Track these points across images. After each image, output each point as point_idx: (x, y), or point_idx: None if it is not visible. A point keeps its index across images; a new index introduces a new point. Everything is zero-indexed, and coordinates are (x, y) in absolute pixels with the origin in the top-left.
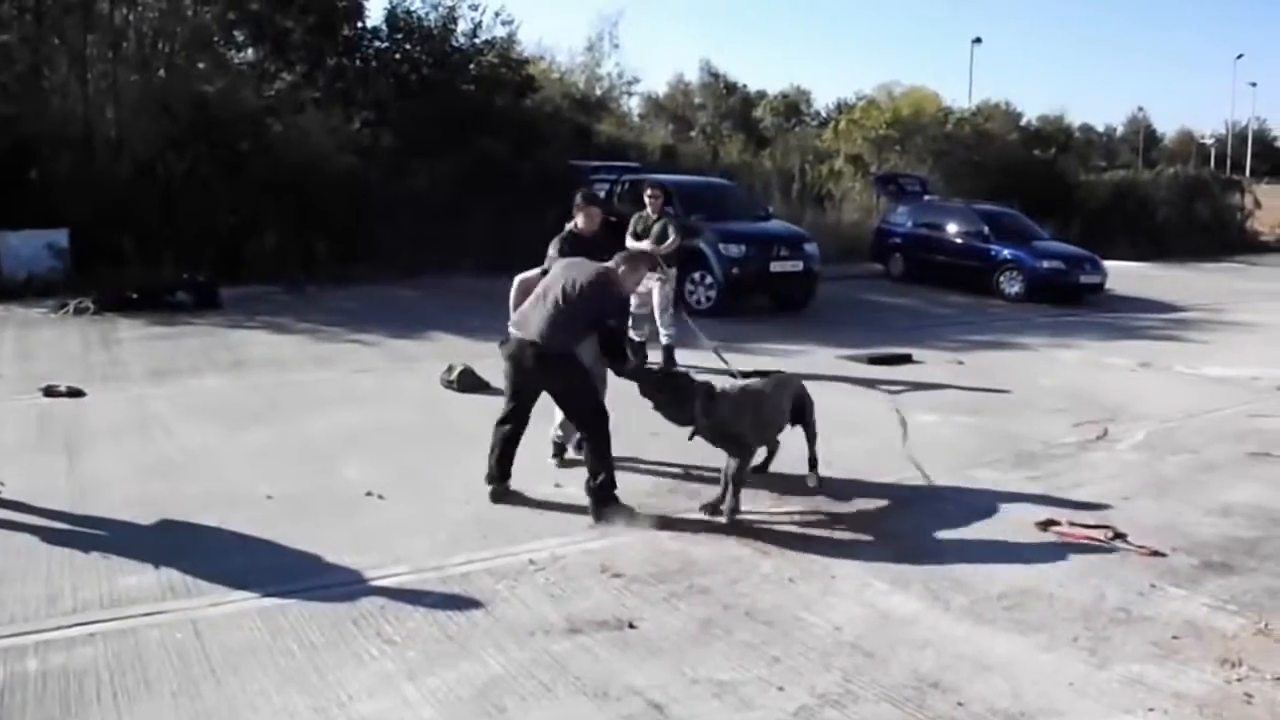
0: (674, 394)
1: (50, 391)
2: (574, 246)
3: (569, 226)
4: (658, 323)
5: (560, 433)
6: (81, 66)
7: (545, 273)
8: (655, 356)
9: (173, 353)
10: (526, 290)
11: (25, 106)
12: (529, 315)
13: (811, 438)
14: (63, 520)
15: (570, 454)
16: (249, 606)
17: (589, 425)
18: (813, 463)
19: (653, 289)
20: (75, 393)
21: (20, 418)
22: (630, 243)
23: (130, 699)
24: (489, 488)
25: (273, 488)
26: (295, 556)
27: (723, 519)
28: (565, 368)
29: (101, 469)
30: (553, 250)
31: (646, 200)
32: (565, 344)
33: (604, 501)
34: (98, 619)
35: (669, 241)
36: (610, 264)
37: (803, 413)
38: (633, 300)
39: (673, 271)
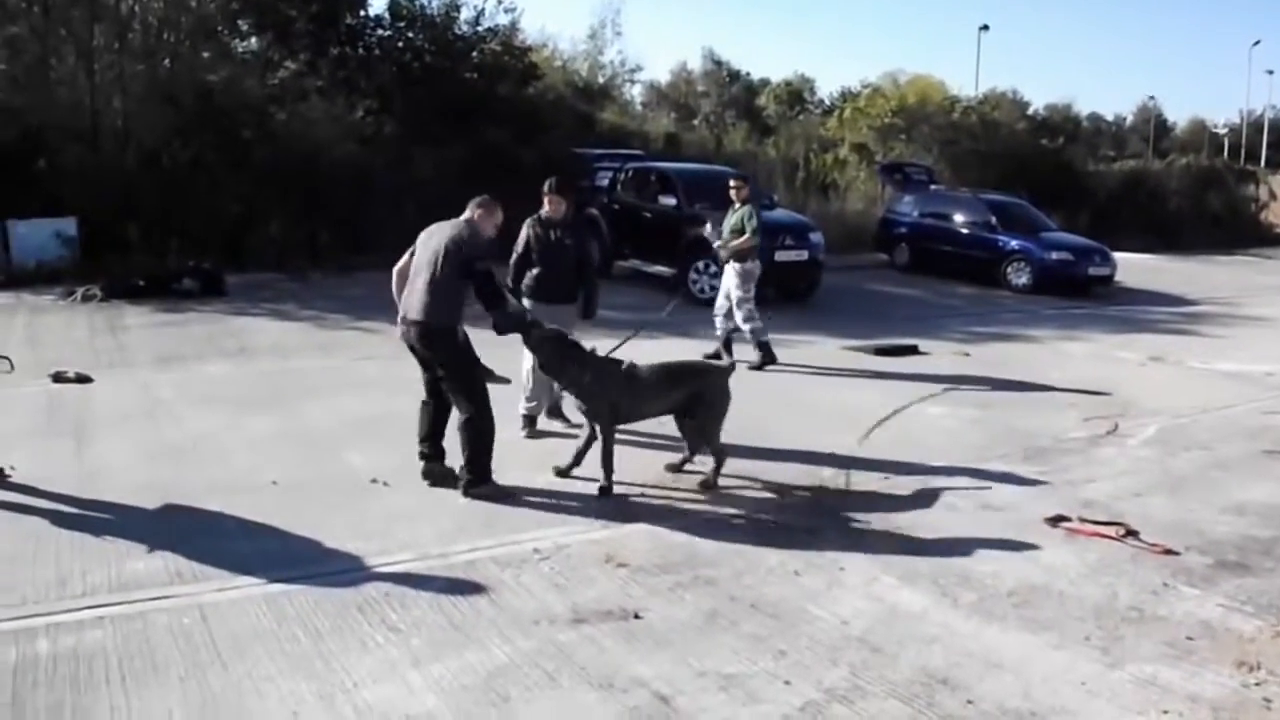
0: (552, 354)
1: (59, 378)
2: (544, 228)
3: (539, 213)
4: (737, 318)
5: (531, 403)
6: (88, 57)
7: (413, 253)
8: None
9: (179, 339)
10: (404, 276)
11: (33, 97)
12: (408, 298)
13: (697, 436)
14: (71, 505)
15: (542, 424)
16: (255, 592)
17: (466, 402)
18: (685, 460)
19: (730, 283)
20: (83, 379)
21: (29, 403)
22: (729, 239)
23: (138, 682)
24: (420, 465)
25: (278, 474)
26: (300, 543)
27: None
28: (446, 342)
29: (109, 454)
30: (524, 233)
31: (731, 193)
32: (447, 315)
33: (475, 484)
34: (106, 602)
35: (743, 238)
36: (464, 215)
37: (693, 410)
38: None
39: (751, 265)
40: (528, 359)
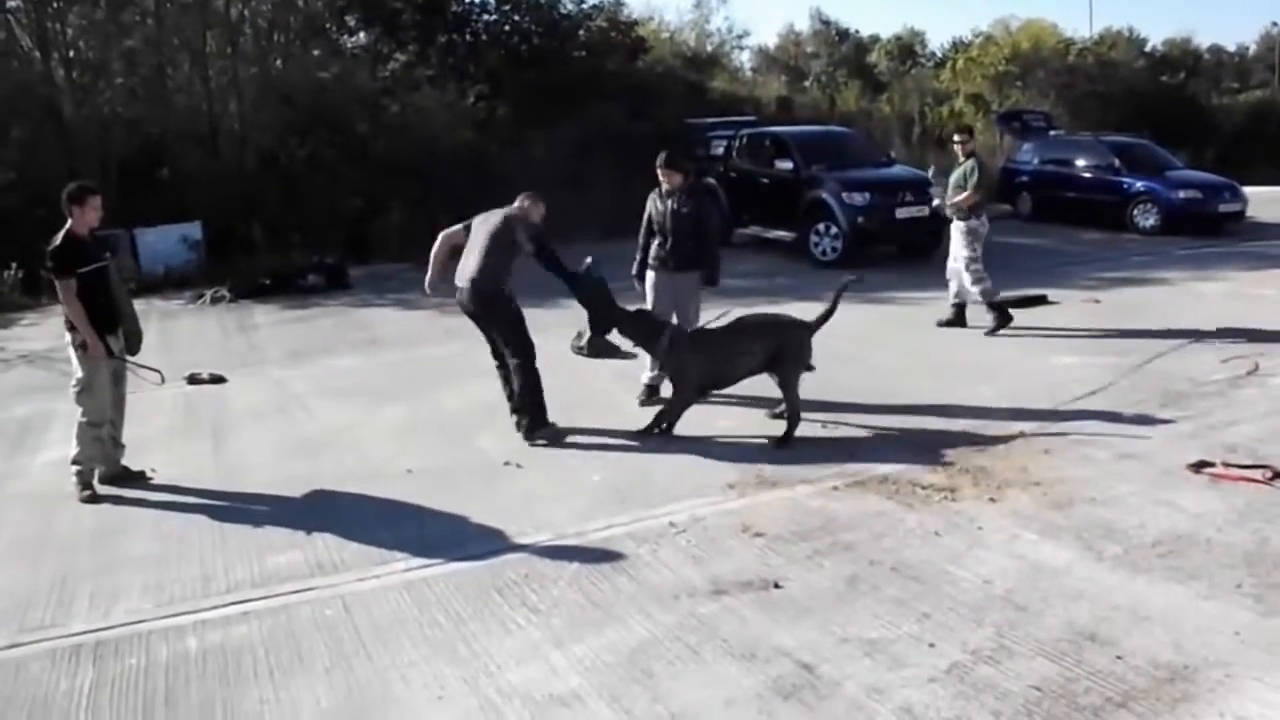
0: (632, 328)
1: (193, 379)
2: (663, 200)
3: (660, 187)
4: (965, 281)
5: (653, 372)
6: (202, 64)
7: (468, 229)
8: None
9: (308, 334)
10: (450, 242)
11: (152, 107)
12: (463, 268)
13: (783, 386)
14: (212, 502)
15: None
16: (395, 580)
17: (517, 354)
18: (784, 414)
19: (955, 243)
20: (217, 379)
21: (166, 406)
22: (951, 195)
23: (286, 674)
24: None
25: (412, 462)
26: (438, 528)
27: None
28: (496, 300)
29: (246, 451)
30: (649, 205)
31: (955, 147)
32: (495, 278)
33: (534, 428)
34: (250, 597)
35: (965, 193)
36: (514, 205)
37: (774, 366)
38: None
39: (977, 223)
40: None
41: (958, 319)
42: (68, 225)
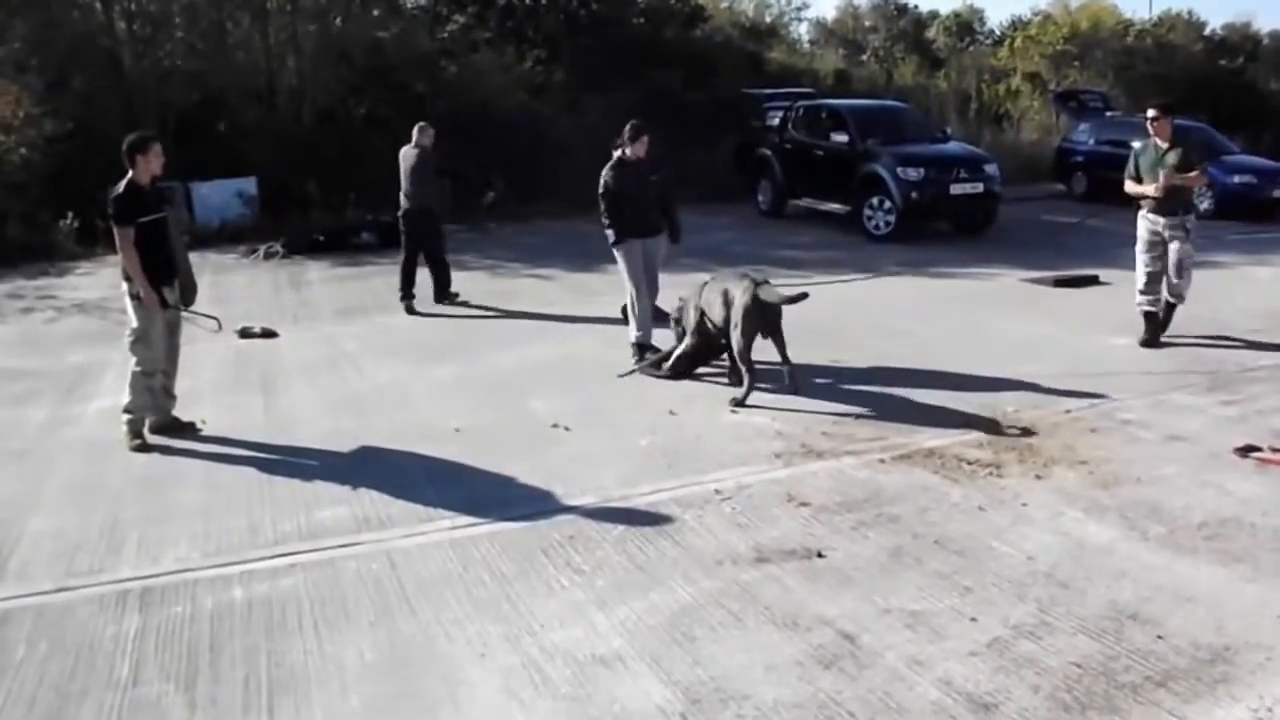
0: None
1: (245, 333)
2: (623, 172)
3: (617, 155)
4: (1171, 277)
5: (639, 332)
6: (262, 20)
7: None
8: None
9: (360, 292)
10: None
11: (212, 62)
12: None
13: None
14: (261, 455)
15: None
16: (441, 538)
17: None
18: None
19: (1171, 244)
20: (269, 333)
21: (217, 359)
22: (1129, 186)
23: (330, 628)
24: None
25: (461, 421)
26: (484, 488)
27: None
28: None
29: (296, 406)
30: (609, 178)
31: (1151, 128)
32: None
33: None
34: (297, 550)
35: (1195, 175)
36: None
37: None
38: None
39: (1193, 218)
40: (632, 289)
41: (1165, 321)
42: (129, 175)
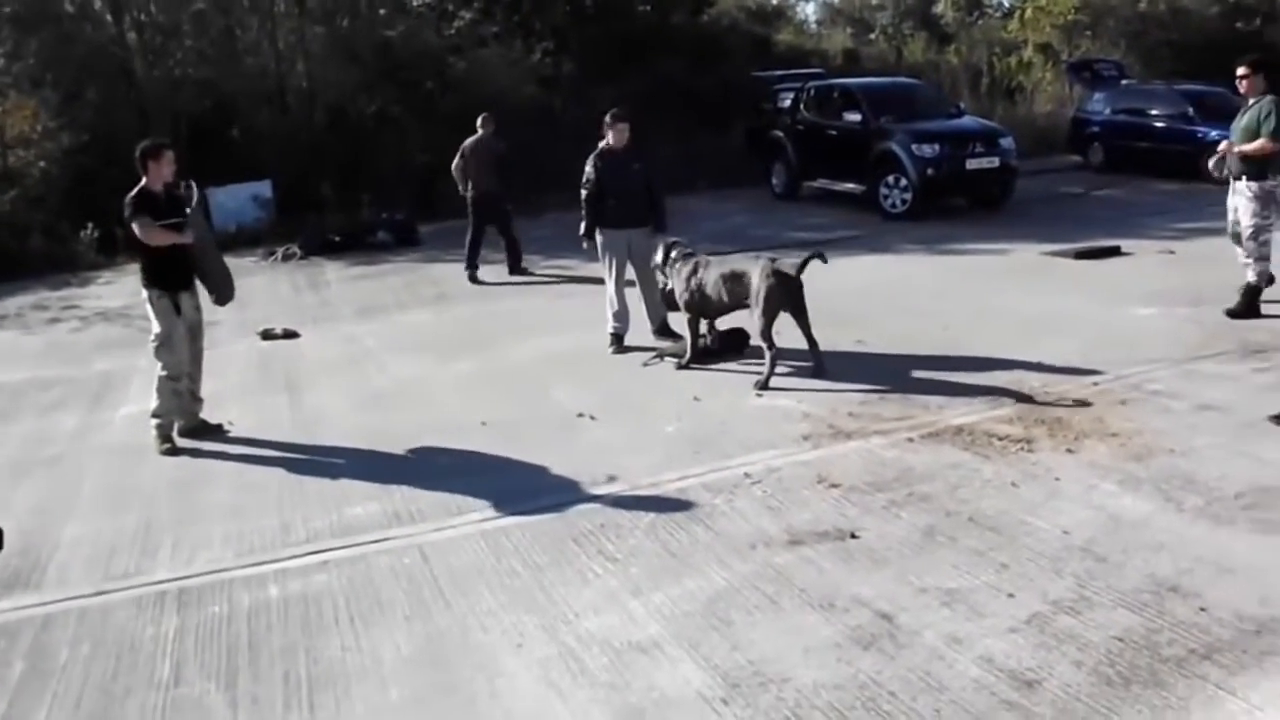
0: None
1: (267, 335)
2: (605, 161)
3: (601, 145)
4: (1243, 246)
5: (618, 324)
6: (270, 24)
7: None
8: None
9: (378, 290)
10: None
11: (222, 68)
12: None
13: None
14: (289, 455)
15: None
16: (472, 530)
17: None
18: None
19: (1239, 203)
20: (290, 334)
21: (242, 361)
22: (1240, 142)
23: (366, 622)
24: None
25: (486, 414)
26: (513, 480)
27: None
28: None
29: (321, 405)
30: (591, 167)
31: (1242, 84)
32: None
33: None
34: (329, 547)
35: (1258, 142)
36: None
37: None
38: None
39: (1273, 184)
40: (611, 280)
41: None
42: (143, 181)
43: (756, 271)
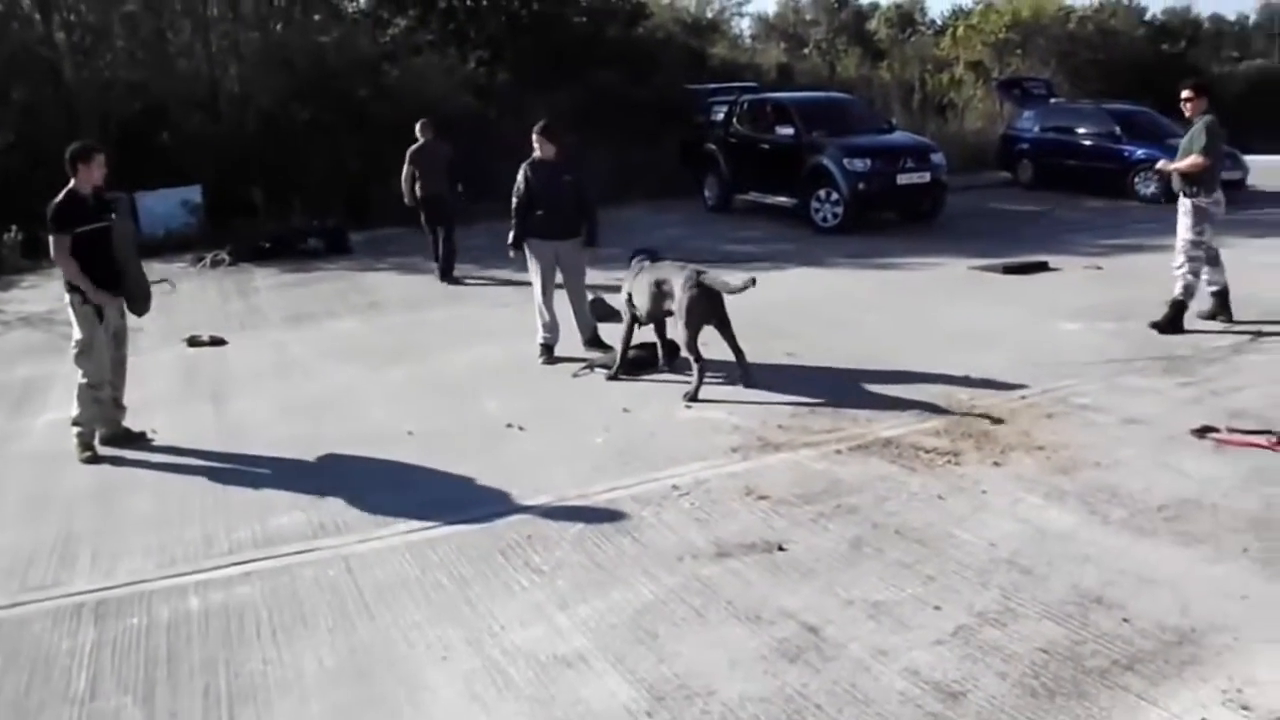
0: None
1: (194, 342)
2: (536, 172)
3: (532, 157)
4: (1173, 263)
5: (548, 334)
6: (203, 28)
7: None
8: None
9: (308, 298)
10: None
11: (153, 71)
12: None
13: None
14: (214, 464)
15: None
16: (398, 541)
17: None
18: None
19: (1180, 224)
20: (217, 341)
21: (167, 368)
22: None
23: (288, 634)
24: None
25: (414, 424)
26: (440, 490)
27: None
28: None
29: (247, 413)
30: (522, 177)
31: (1185, 106)
32: None
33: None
34: (253, 558)
35: (1189, 159)
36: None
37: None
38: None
39: (1206, 201)
40: (538, 291)
41: (1223, 305)
42: (71, 184)
43: (680, 282)
